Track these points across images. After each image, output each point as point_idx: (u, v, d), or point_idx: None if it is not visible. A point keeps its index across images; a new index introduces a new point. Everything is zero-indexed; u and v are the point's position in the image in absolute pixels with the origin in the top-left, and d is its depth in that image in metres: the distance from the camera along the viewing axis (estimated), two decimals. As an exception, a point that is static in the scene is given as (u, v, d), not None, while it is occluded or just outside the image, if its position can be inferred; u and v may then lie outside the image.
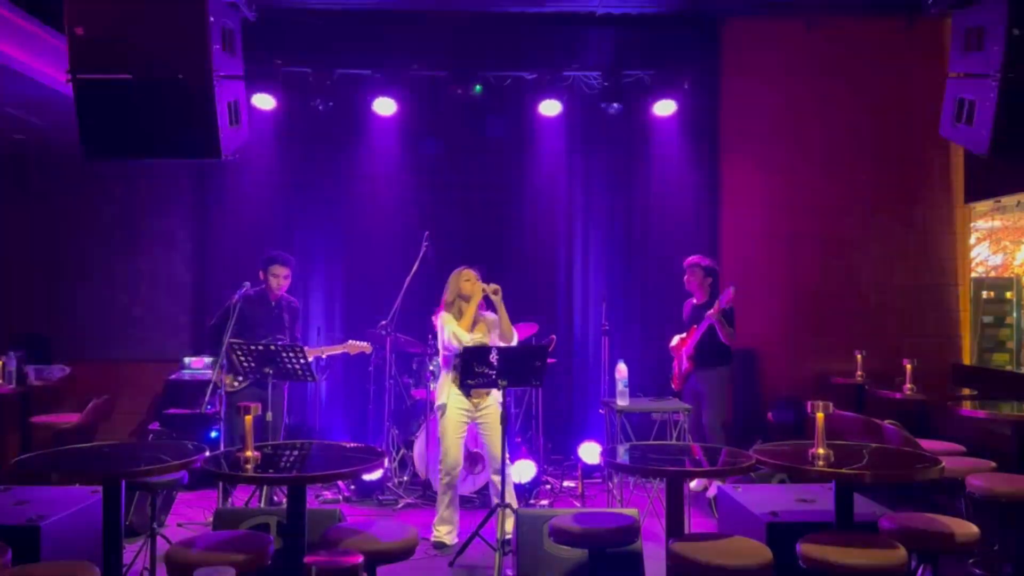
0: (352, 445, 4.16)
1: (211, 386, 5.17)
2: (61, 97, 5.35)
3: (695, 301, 6.16)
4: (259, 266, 5.56)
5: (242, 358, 4.91)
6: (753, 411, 7.16)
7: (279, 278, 5.51)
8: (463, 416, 4.95)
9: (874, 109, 7.31)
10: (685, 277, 6.17)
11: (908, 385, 5.76)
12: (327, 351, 5.79)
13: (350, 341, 5.82)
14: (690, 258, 6.20)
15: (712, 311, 5.72)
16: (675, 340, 6.21)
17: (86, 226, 7.50)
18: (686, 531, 3.74)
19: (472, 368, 4.35)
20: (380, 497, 5.82)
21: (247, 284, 5.39)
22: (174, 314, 7.41)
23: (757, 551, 3.11)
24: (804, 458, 3.34)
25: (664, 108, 6.98)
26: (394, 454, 6.22)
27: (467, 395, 4.89)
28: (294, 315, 5.67)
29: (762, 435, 6.75)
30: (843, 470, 3.23)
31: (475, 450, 5.56)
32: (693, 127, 7.36)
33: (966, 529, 3.27)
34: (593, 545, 3.59)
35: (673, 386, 6.18)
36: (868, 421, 4.88)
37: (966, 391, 6.08)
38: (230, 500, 5.51)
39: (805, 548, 3.07)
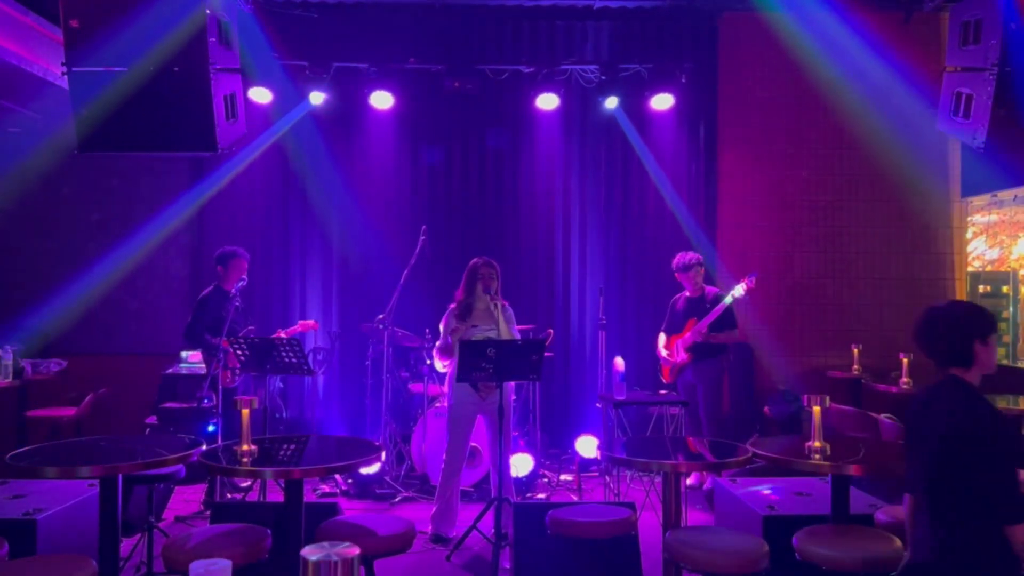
0: (349, 439, 4.16)
1: (208, 380, 5.19)
2: (56, 90, 5.34)
3: (688, 294, 6.09)
4: (216, 262, 5.70)
5: (240, 353, 4.92)
6: (749, 405, 7.17)
7: (241, 271, 5.60)
8: (471, 408, 4.93)
9: (872, 103, 7.30)
10: (687, 274, 6.03)
11: (904, 379, 5.77)
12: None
13: (300, 321, 6.16)
14: (687, 257, 6.01)
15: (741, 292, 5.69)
16: (663, 339, 6.16)
17: (82, 220, 7.49)
18: (682, 524, 3.75)
19: (470, 362, 4.35)
20: (377, 491, 5.82)
21: (244, 279, 5.43)
22: (170, 308, 7.40)
23: (753, 544, 3.12)
24: (801, 452, 3.34)
25: (661, 102, 6.97)
26: (391, 448, 6.22)
27: (475, 388, 4.86)
28: (245, 302, 5.78)
29: (758, 429, 6.77)
30: (839, 464, 3.24)
31: (473, 444, 5.56)
32: (690, 121, 7.36)
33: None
34: (590, 538, 3.60)
35: (664, 379, 6.14)
36: (864, 415, 4.89)
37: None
38: (221, 493, 5.53)
39: (801, 541, 3.08)
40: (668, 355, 6.05)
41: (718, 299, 5.81)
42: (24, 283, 7.48)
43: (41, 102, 5.91)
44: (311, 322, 6.31)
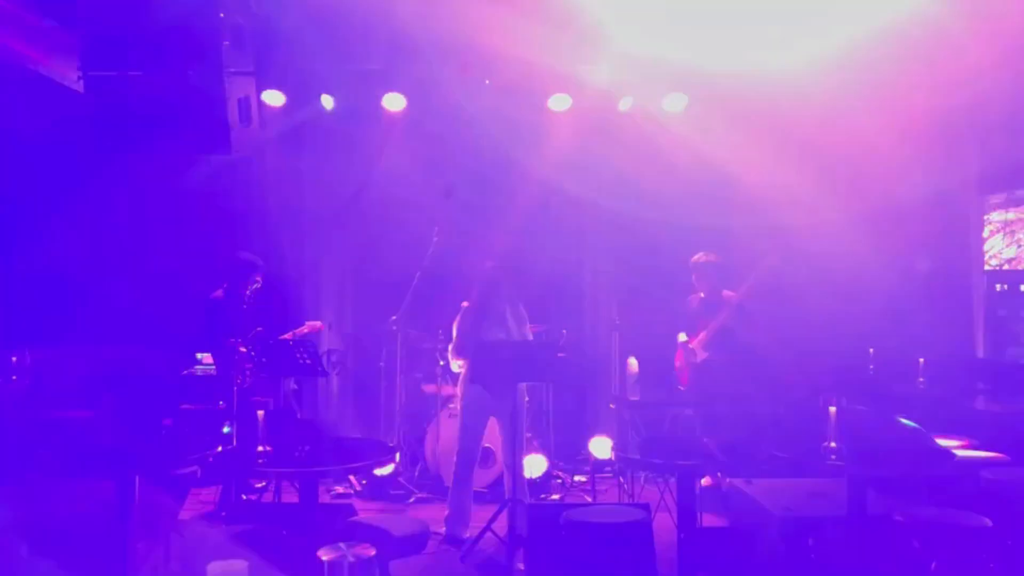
0: (363, 440, 4.18)
1: (222, 381, 5.22)
2: (73, 94, 5.39)
3: (702, 295, 6.08)
4: (229, 267, 5.68)
5: (254, 354, 4.95)
6: (764, 406, 7.12)
7: (254, 277, 5.61)
8: (484, 409, 4.93)
9: (887, 100, 7.23)
10: (703, 273, 6.02)
11: (921, 379, 5.72)
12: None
13: (307, 322, 5.96)
14: (705, 256, 6.04)
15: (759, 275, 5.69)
16: (682, 336, 6.13)
17: (99, 221, 7.52)
18: (698, 526, 3.73)
19: (484, 364, 4.35)
20: (391, 492, 5.84)
21: (259, 281, 5.46)
22: (186, 309, 7.41)
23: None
24: (817, 453, 3.32)
25: (675, 102, 6.94)
26: (405, 449, 6.23)
27: (488, 389, 4.86)
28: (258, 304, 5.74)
29: (774, 430, 6.72)
30: (856, 465, 3.22)
31: (486, 445, 5.57)
32: (703, 121, 7.31)
33: (980, 523, 3.25)
34: (604, 539, 3.59)
35: (681, 384, 6.08)
36: (881, 415, 4.85)
37: (980, 385, 6.03)
38: (236, 494, 5.55)
39: (816, 543, 3.05)
40: (686, 356, 5.99)
41: (731, 301, 5.80)
42: (42, 283, 7.53)
43: (58, 106, 5.96)
44: (318, 323, 6.21)
